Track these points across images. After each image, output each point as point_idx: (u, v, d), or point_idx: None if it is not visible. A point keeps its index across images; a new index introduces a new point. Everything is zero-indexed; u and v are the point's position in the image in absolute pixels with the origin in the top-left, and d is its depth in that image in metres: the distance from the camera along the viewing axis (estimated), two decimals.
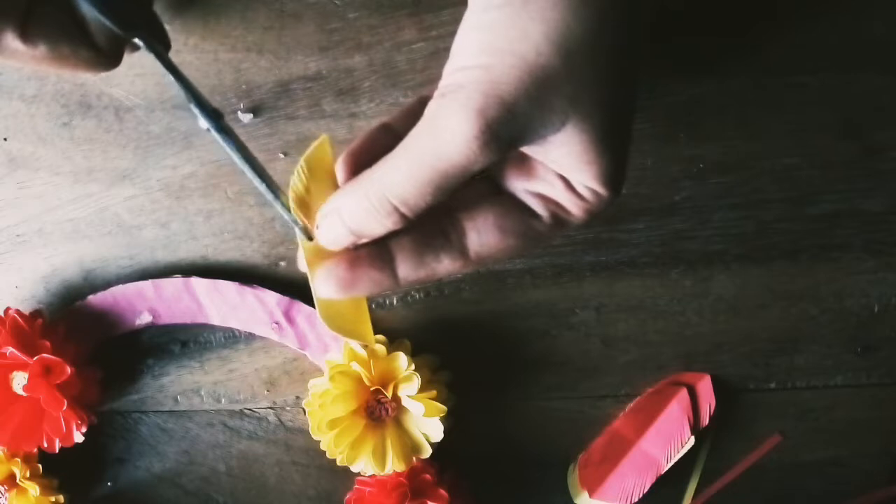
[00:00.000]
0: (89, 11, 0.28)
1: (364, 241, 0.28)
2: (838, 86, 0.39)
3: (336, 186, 0.29)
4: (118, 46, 0.30)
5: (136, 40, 0.29)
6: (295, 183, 0.28)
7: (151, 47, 0.29)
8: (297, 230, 0.29)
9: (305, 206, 0.28)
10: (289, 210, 0.29)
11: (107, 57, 0.29)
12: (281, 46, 0.38)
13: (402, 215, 0.26)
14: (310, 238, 0.29)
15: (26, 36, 0.27)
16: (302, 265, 0.29)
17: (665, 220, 0.41)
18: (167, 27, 0.37)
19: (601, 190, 0.27)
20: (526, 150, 0.27)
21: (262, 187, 0.28)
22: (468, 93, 0.24)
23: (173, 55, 0.37)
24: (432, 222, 0.28)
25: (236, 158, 0.28)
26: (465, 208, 0.28)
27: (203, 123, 0.28)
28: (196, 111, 0.28)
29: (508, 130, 0.25)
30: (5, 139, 0.39)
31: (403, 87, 0.38)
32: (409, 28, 0.37)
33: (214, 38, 0.37)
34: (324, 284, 0.28)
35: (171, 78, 0.29)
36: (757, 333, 0.44)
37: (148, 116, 0.39)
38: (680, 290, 0.43)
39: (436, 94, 0.26)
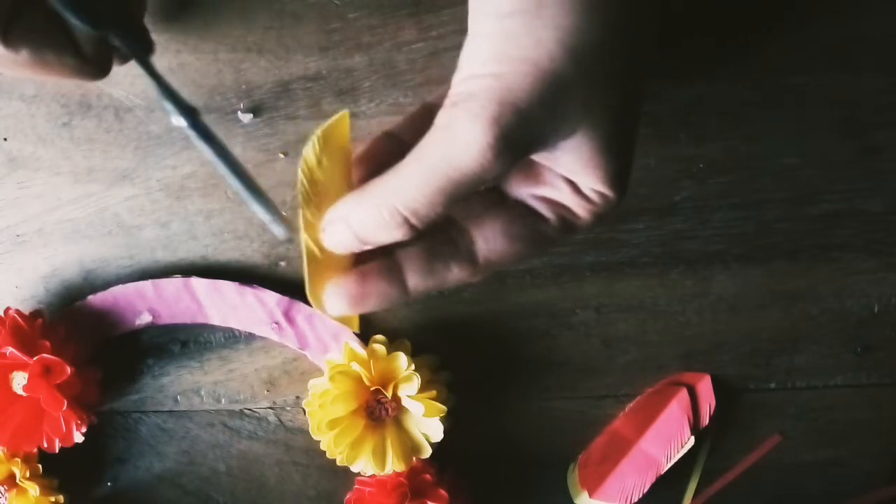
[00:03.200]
0: (62, 12, 0.28)
1: (369, 247, 0.28)
2: (838, 86, 0.39)
3: (349, 165, 0.28)
4: (105, 55, 0.29)
5: (114, 40, 0.28)
6: (308, 153, 0.27)
7: (125, 44, 0.28)
8: (274, 227, 0.28)
9: (315, 180, 0.27)
10: (265, 208, 0.28)
11: (93, 65, 0.29)
12: (281, 46, 0.38)
13: (412, 226, 0.26)
14: (289, 239, 0.29)
15: (8, 41, 0.27)
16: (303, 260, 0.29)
17: (665, 220, 0.41)
18: (167, 28, 0.37)
19: (608, 192, 0.27)
20: (534, 156, 0.27)
21: (238, 185, 0.28)
22: (481, 101, 0.24)
23: (173, 55, 0.37)
24: (440, 231, 0.28)
25: (210, 155, 0.27)
26: (472, 215, 0.28)
27: (176, 121, 0.27)
28: (169, 108, 0.27)
29: (522, 138, 0.24)
30: (5, 139, 0.39)
31: (403, 87, 0.38)
32: (409, 28, 0.37)
33: (214, 38, 0.37)
34: (334, 301, 0.28)
35: (148, 74, 0.28)
36: (757, 333, 0.44)
37: (148, 116, 0.39)
38: (680, 290, 0.43)
39: (446, 102, 0.25)
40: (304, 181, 0.27)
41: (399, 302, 0.28)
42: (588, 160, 0.26)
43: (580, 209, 0.28)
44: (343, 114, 0.27)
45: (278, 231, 0.28)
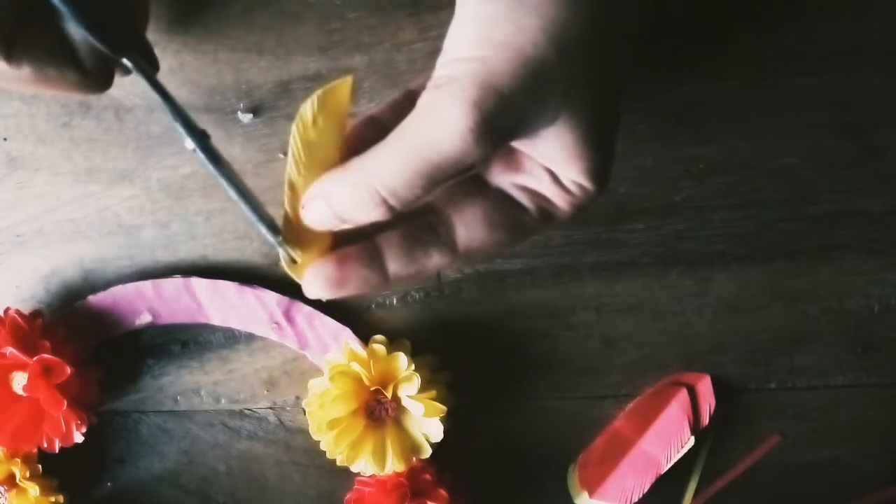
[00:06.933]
0: (78, 32, 0.28)
1: (348, 226, 0.28)
2: (838, 86, 0.39)
3: (344, 131, 0.28)
4: (107, 69, 0.30)
5: (125, 61, 0.29)
6: (304, 111, 0.27)
7: (140, 69, 0.29)
8: (280, 251, 0.28)
9: (308, 139, 0.27)
10: (272, 232, 0.28)
11: (95, 79, 0.29)
12: (281, 46, 0.38)
13: (391, 207, 0.26)
14: (294, 262, 0.28)
15: (11, 57, 0.27)
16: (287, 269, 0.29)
17: (665, 220, 0.41)
18: (167, 28, 0.37)
19: (588, 184, 0.27)
20: (515, 143, 0.27)
21: (246, 210, 0.28)
22: (463, 85, 0.24)
23: (173, 55, 0.37)
24: (420, 218, 0.28)
25: (219, 179, 0.28)
26: (453, 203, 0.28)
27: (189, 144, 0.28)
28: (182, 131, 0.28)
29: (503, 123, 0.25)
30: (5, 139, 0.39)
31: (403, 87, 0.38)
32: (409, 28, 0.37)
33: (214, 38, 0.37)
34: (313, 284, 0.28)
35: (162, 99, 0.29)
36: (757, 333, 0.44)
37: (148, 116, 0.39)
38: (680, 290, 0.43)
39: (429, 85, 0.25)
40: (297, 138, 0.27)
41: (379, 288, 0.28)
42: (569, 150, 0.26)
43: (560, 200, 0.28)
44: (346, 79, 0.27)
45: (285, 256, 0.29)
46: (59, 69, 0.28)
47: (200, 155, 0.28)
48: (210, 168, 0.28)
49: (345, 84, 0.27)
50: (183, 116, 0.28)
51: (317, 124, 0.27)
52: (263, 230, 0.28)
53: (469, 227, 0.28)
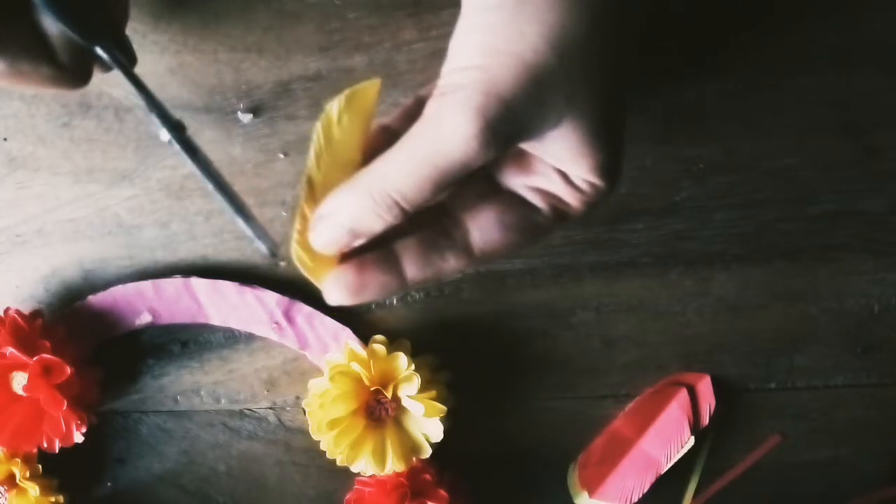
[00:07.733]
0: (53, 27, 0.28)
1: (360, 241, 0.28)
2: (838, 86, 0.39)
3: (367, 134, 0.29)
4: (83, 63, 0.30)
5: (100, 51, 0.29)
6: (331, 108, 0.27)
7: (113, 57, 0.29)
8: (268, 247, 0.28)
9: (331, 137, 0.28)
10: (249, 224, 0.28)
11: (71, 74, 0.29)
12: (281, 46, 0.38)
13: (403, 209, 0.27)
14: (273, 254, 0.28)
15: None
16: (297, 261, 0.29)
17: (665, 220, 0.41)
18: (167, 28, 0.37)
19: (598, 182, 0.28)
20: (524, 145, 0.27)
21: (223, 201, 0.28)
22: (468, 92, 0.25)
23: (173, 55, 0.37)
24: (435, 222, 0.29)
25: (198, 170, 0.28)
26: (467, 206, 0.29)
27: (164, 135, 0.28)
28: (157, 122, 0.28)
29: (507, 128, 0.25)
30: (5, 139, 0.39)
31: (403, 87, 0.38)
32: (409, 28, 0.37)
33: (214, 38, 0.37)
34: (333, 291, 0.28)
35: (136, 89, 0.29)
36: (757, 333, 0.44)
37: (148, 116, 0.38)
38: (680, 290, 0.43)
39: (435, 93, 0.26)
40: (321, 134, 0.28)
41: (397, 292, 0.29)
42: (576, 150, 0.27)
43: (571, 199, 0.29)
44: (374, 81, 0.28)
45: (262, 248, 0.28)
46: (34, 64, 0.28)
47: (177, 146, 0.28)
48: (186, 159, 0.28)
49: (372, 86, 0.28)
50: (158, 107, 0.28)
51: (341, 122, 0.28)
52: (240, 223, 0.28)
53: (483, 229, 0.29)
